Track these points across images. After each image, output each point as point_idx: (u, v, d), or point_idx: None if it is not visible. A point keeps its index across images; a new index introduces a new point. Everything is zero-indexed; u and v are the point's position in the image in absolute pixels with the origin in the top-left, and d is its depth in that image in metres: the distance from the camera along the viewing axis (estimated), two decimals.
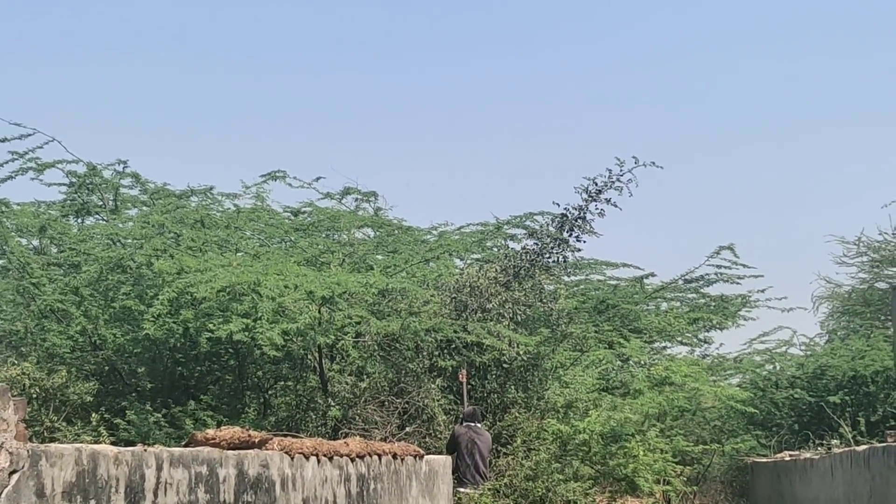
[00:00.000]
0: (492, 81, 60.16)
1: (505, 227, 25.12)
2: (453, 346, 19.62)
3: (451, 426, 18.80)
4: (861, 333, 29.19)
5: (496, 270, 20.85)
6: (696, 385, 21.30)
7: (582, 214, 21.33)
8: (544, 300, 21.27)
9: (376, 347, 19.73)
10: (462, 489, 17.47)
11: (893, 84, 57.64)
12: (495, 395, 20.02)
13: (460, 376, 19.23)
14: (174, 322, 18.18)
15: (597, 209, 21.22)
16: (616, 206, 21.08)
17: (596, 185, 21.13)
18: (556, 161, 56.81)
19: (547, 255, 21.55)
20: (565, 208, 21.38)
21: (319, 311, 17.94)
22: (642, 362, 24.01)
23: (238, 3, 59.41)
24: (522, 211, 24.58)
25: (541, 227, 22.26)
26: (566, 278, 24.85)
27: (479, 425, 17.98)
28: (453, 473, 17.48)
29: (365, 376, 19.82)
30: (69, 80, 56.40)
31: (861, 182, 54.54)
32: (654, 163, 20.92)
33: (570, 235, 21.51)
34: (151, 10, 57.29)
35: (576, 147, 57.47)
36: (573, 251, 22.02)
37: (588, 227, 21.44)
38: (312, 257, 21.04)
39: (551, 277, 22.07)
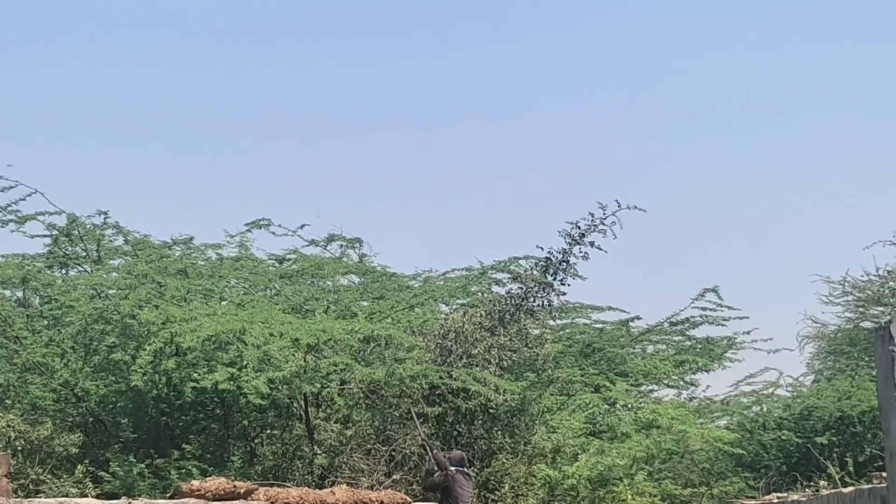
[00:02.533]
0: (475, 126, 60.39)
1: (490, 271, 25.11)
2: (438, 392, 19.56)
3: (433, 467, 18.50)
4: (847, 373, 29.14)
5: (481, 315, 20.84)
6: (684, 427, 21.24)
7: (566, 258, 21.41)
8: (530, 345, 21.24)
9: (362, 395, 19.67)
10: None
11: (879, 122, 57.96)
12: (482, 442, 19.92)
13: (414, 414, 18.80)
14: (156, 373, 18.12)
15: (581, 252, 21.35)
16: (600, 248, 21.22)
17: (579, 228, 21.26)
18: (540, 204, 56.92)
19: (531, 300, 21.56)
20: (549, 252, 21.47)
21: (305, 360, 17.90)
22: (629, 405, 23.96)
23: (221, 48, 59.62)
24: (507, 255, 24.57)
25: (525, 271, 22.28)
26: (552, 322, 24.83)
27: (467, 471, 17.57)
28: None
29: (351, 424, 19.76)
30: (49, 132, 56.42)
31: (845, 222, 54.74)
32: (636, 206, 21.03)
33: (555, 279, 21.57)
34: (130, 61, 57.44)
35: (559, 190, 57.59)
36: (558, 295, 22.06)
37: (572, 271, 21.53)
38: (297, 304, 21.02)
39: (536, 322, 22.04)
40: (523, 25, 60.10)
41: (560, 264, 21.49)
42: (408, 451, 19.04)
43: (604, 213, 21.09)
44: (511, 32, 60.35)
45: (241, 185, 56.01)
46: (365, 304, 23.02)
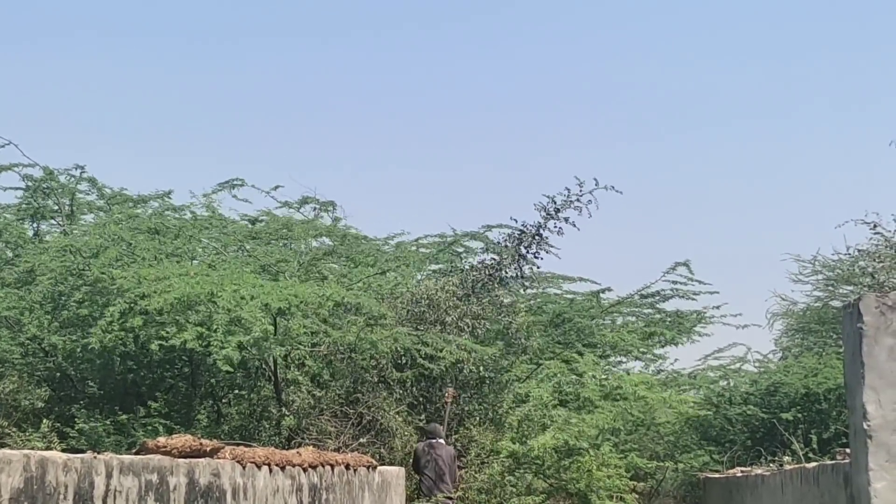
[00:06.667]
0: (451, 94, 60.28)
1: (462, 239, 25.09)
2: (407, 358, 19.48)
3: (408, 441, 18.76)
4: (815, 351, 29.32)
5: (454, 284, 20.84)
6: (648, 394, 21.34)
7: (539, 232, 21.48)
8: (502, 314, 21.28)
9: (332, 358, 19.65)
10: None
11: (853, 107, 58.14)
12: (451, 408, 19.95)
13: (447, 396, 19.20)
14: (121, 330, 17.98)
15: (555, 227, 21.41)
16: (574, 225, 21.29)
17: (555, 203, 21.31)
18: (515, 174, 56.95)
19: (504, 270, 21.62)
20: (523, 225, 21.54)
21: (275, 322, 17.85)
22: (595, 375, 24.02)
23: (203, 11, 59.26)
24: (480, 224, 24.57)
25: (499, 242, 22.32)
26: (523, 292, 24.87)
27: (440, 441, 17.99)
28: (418, 490, 17.67)
29: (320, 387, 19.73)
30: (27, 83, 56.05)
31: (818, 201, 54.99)
32: (613, 187, 21.11)
33: (528, 252, 21.63)
34: (109, 11, 57.03)
35: (534, 160, 57.60)
36: (531, 266, 22.10)
37: (546, 245, 21.61)
38: (268, 265, 20.94)
39: (509, 292, 22.09)
40: None
41: (534, 237, 21.55)
42: (376, 416, 19.05)
43: (580, 191, 21.17)
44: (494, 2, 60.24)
45: (215, 145, 55.87)
46: (336, 266, 22.96)
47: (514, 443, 19.14)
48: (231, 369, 17.84)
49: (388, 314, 19.46)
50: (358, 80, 59.33)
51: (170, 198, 23.70)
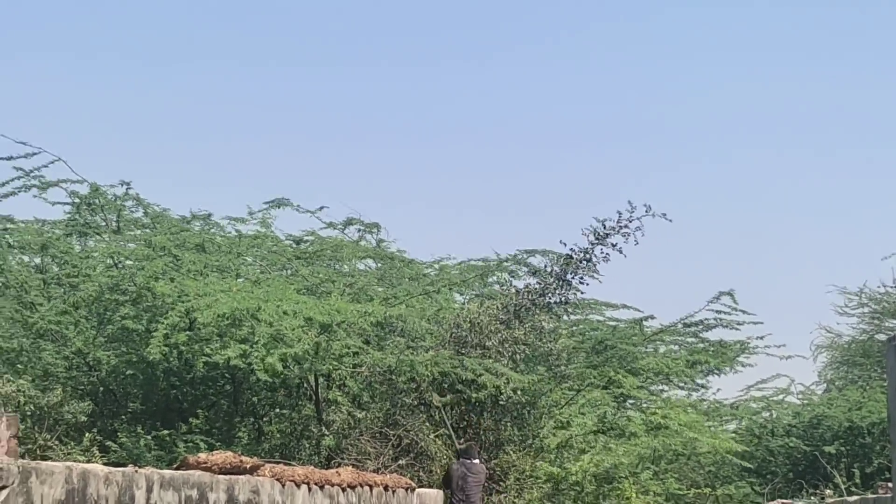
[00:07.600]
0: (497, 118, 60.38)
1: (506, 263, 24.99)
2: (449, 381, 19.46)
3: (445, 461, 18.72)
4: (859, 384, 29.12)
5: (497, 308, 20.69)
6: (694, 435, 21.09)
7: (587, 257, 20.98)
8: (544, 340, 21.05)
9: (373, 379, 19.67)
10: None
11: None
12: (490, 433, 19.89)
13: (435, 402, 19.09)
14: (166, 345, 18.08)
15: (602, 253, 20.93)
16: (622, 252, 20.72)
17: (604, 227, 20.80)
18: (558, 199, 56.94)
19: (549, 295, 21.26)
20: (571, 249, 21.03)
21: (317, 339, 17.88)
22: (639, 403, 23.80)
23: (249, 29, 59.70)
24: (523, 248, 24.39)
25: (544, 266, 21.96)
26: (566, 318, 24.66)
27: (474, 461, 17.82)
28: None
29: (360, 408, 19.77)
30: (76, 100, 56.61)
31: (864, 233, 54.63)
32: (664, 215, 20.55)
33: (574, 277, 21.21)
34: (160, 32, 57.56)
35: (578, 186, 57.57)
36: (576, 293, 21.71)
37: (592, 270, 21.12)
38: (313, 286, 21.01)
39: (552, 318, 21.77)
40: (555, 27, 60.11)
41: (581, 262, 21.07)
42: (415, 437, 19.05)
43: (630, 215, 20.57)
44: (544, 33, 60.36)
45: (261, 166, 56.20)
46: (380, 289, 23.00)
47: (552, 465, 19.07)
48: (271, 378, 17.87)
49: (433, 329, 19.45)
50: (405, 105, 59.61)
51: (211, 220, 23.81)
